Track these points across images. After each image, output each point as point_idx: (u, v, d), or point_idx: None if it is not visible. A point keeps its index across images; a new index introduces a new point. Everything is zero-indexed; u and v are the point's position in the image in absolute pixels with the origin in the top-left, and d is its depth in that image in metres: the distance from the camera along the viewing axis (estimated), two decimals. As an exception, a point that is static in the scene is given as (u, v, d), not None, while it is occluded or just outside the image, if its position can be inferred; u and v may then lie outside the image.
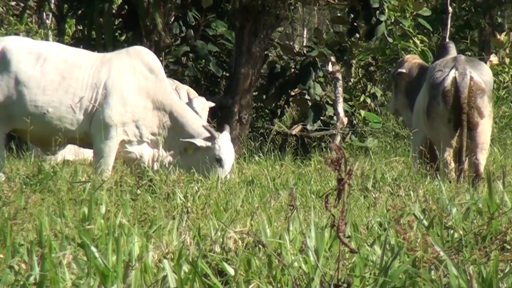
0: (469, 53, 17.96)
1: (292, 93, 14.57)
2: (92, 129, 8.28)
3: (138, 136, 8.42)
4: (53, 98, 8.26)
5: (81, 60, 8.41)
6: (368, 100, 15.37)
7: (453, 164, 8.27)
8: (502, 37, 16.75)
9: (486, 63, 15.48)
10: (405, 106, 9.32)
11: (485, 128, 8.35)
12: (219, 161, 8.41)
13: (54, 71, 8.31)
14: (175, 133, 8.48)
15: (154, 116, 8.45)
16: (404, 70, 9.28)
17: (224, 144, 8.48)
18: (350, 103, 14.98)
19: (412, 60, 9.43)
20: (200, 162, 8.37)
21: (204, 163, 8.36)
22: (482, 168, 8.32)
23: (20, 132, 8.39)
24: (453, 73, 8.38)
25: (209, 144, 8.41)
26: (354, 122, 14.76)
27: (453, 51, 8.93)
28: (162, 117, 8.45)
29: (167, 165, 8.30)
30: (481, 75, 8.46)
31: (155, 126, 8.44)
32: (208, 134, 8.45)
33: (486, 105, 8.37)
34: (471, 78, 8.34)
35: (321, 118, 14.27)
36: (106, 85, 8.32)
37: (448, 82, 8.36)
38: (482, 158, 8.34)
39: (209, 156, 8.40)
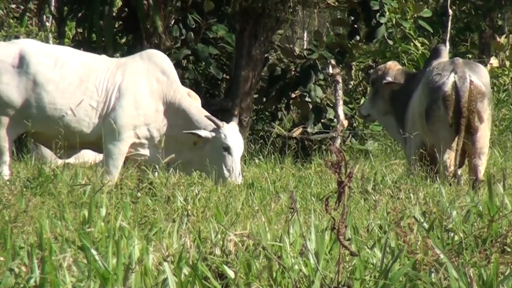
0: (469, 56, 17.95)
1: (293, 96, 14.56)
2: (103, 130, 8.29)
3: (149, 139, 8.44)
4: (72, 101, 8.28)
5: (98, 64, 8.46)
6: (369, 103, 15.35)
7: (453, 167, 8.26)
8: (502, 39, 16.76)
9: (486, 65, 15.51)
10: (386, 113, 9.25)
11: (484, 133, 8.34)
12: (227, 150, 8.39)
13: (72, 74, 8.34)
14: (184, 131, 8.50)
15: (165, 118, 8.48)
16: (390, 79, 9.16)
17: (230, 132, 8.47)
18: (350, 105, 14.98)
19: (395, 67, 9.34)
20: (211, 155, 8.38)
21: (213, 155, 8.37)
22: (481, 172, 8.31)
23: (35, 134, 8.37)
24: (452, 77, 8.36)
25: (214, 134, 8.41)
26: (355, 124, 14.76)
27: (444, 54, 8.92)
28: (174, 118, 8.49)
29: (172, 165, 8.33)
30: (480, 77, 8.45)
31: (165, 128, 8.47)
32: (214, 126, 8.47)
33: (485, 108, 8.36)
34: (471, 82, 8.34)
35: (322, 120, 14.27)
36: (120, 87, 8.36)
37: (448, 87, 8.34)
38: (481, 162, 8.34)
39: (217, 146, 8.40)
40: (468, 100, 8.28)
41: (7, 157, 8.28)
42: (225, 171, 8.32)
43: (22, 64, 8.29)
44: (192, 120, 8.51)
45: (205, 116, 8.50)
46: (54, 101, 8.26)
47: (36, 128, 8.24)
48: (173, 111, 8.49)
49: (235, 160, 8.40)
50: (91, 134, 8.31)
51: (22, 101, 8.24)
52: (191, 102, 8.64)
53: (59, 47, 8.95)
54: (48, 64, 8.32)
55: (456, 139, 8.25)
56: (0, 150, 8.27)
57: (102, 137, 8.31)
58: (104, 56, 8.78)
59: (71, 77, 8.33)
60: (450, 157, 8.27)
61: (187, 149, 8.50)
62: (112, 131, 8.22)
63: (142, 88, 8.41)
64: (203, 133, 8.39)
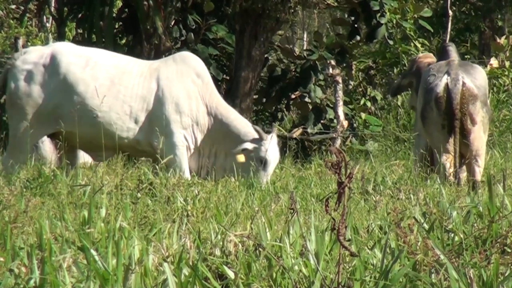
0: (468, 57, 17.95)
1: (293, 96, 14.57)
2: (154, 143, 8.30)
3: (195, 142, 8.46)
4: (103, 103, 8.24)
5: (131, 67, 8.42)
6: (368, 103, 15.38)
7: (452, 168, 8.25)
8: (501, 40, 16.75)
9: (486, 66, 15.50)
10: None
11: (478, 135, 8.30)
12: (264, 163, 8.40)
13: (104, 75, 8.31)
14: (221, 136, 8.49)
15: (206, 120, 8.49)
16: (413, 70, 9.26)
17: (272, 146, 8.50)
18: (350, 106, 14.99)
19: (424, 59, 9.36)
20: (246, 163, 8.40)
21: (248, 164, 8.37)
22: (479, 174, 8.30)
23: (68, 134, 8.31)
24: (445, 79, 8.33)
25: (255, 145, 8.42)
26: (355, 125, 14.77)
27: (453, 53, 8.89)
28: (212, 121, 8.49)
29: (210, 170, 8.38)
30: (474, 79, 8.39)
31: (207, 130, 8.48)
32: (254, 135, 8.47)
33: (478, 111, 8.31)
34: (464, 84, 8.30)
35: (322, 121, 14.28)
36: (157, 96, 8.33)
37: (440, 88, 8.31)
38: (478, 164, 8.32)
39: (254, 157, 8.40)
40: (460, 102, 8.25)
41: (24, 158, 8.27)
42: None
43: (53, 64, 8.28)
44: (230, 127, 8.50)
45: (253, 127, 8.54)
46: (84, 102, 8.23)
47: (66, 127, 8.20)
48: (210, 116, 8.49)
49: (267, 174, 8.42)
50: (125, 138, 8.29)
51: (52, 100, 8.22)
52: (228, 107, 8.63)
53: (93, 49, 8.90)
54: (79, 64, 8.30)
55: (452, 141, 8.24)
56: (22, 149, 8.26)
57: (140, 142, 8.32)
58: (136, 59, 8.75)
59: (103, 78, 8.30)
60: (448, 159, 8.25)
61: (222, 155, 8.51)
62: (164, 142, 8.25)
63: (179, 90, 8.38)
64: (250, 145, 8.41)
